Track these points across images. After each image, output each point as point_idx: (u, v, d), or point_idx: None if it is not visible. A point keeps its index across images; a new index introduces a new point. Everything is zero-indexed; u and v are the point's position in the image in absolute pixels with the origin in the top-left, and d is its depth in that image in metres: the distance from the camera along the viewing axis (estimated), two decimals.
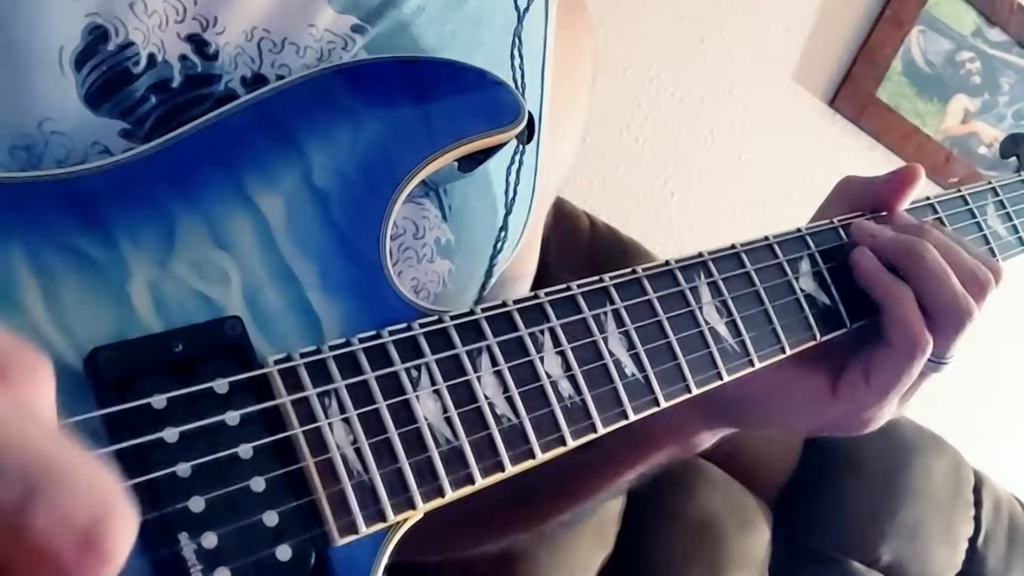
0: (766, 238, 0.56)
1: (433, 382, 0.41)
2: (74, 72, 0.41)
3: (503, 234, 0.57)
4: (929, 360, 0.56)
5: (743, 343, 0.52)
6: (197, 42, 0.45)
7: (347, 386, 0.39)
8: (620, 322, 0.48)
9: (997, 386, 2.02)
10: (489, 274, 0.56)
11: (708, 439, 0.64)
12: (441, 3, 0.53)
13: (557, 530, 0.72)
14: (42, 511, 0.22)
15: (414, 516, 0.40)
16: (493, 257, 0.56)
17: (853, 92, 1.76)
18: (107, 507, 0.23)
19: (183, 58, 0.44)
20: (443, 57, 0.51)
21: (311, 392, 0.38)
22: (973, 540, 1.67)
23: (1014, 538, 1.72)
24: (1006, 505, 1.74)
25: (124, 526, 0.24)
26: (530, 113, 0.49)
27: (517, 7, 0.58)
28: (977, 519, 1.68)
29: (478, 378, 0.42)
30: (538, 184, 0.62)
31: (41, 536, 0.22)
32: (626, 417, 0.46)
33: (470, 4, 0.55)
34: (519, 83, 0.57)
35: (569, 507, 0.69)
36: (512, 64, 0.57)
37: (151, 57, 0.43)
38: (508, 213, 0.57)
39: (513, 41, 0.57)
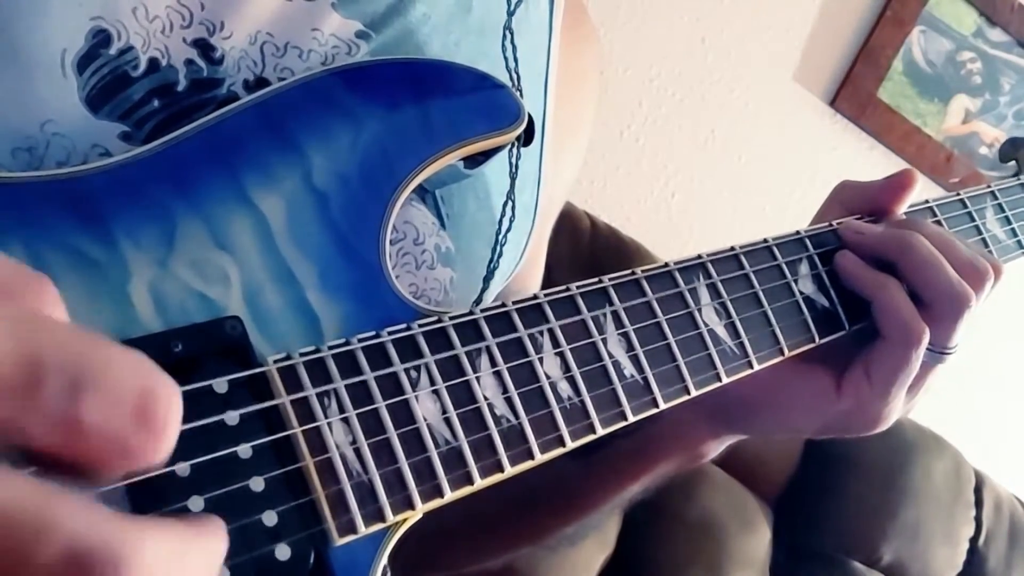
0: (765, 240, 0.56)
1: (432, 382, 0.41)
2: (76, 75, 0.42)
3: (502, 247, 0.57)
4: (931, 351, 0.55)
5: (742, 345, 0.52)
6: (203, 47, 0.45)
7: (346, 386, 0.39)
8: (619, 323, 0.48)
9: (997, 386, 2.02)
10: (486, 283, 0.56)
11: (714, 448, 0.63)
12: (446, 12, 0.53)
13: (561, 543, 0.72)
14: (92, 399, 0.23)
15: (413, 516, 0.40)
16: (490, 263, 0.56)
17: (854, 92, 1.76)
18: (149, 382, 0.24)
19: (189, 62, 0.44)
20: (443, 59, 0.52)
21: (310, 392, 0.38)
22: (974, 540, 1.67)
23: (1015, 538, 1.72)
24: (1007, 505, 1.74)
25: (171, 395, 0.25)
26: (530, 116, 0.49)
27: (508, 2, 0.58)
28: (978, 519, 1.68)
29: (477, 379, 0.42)
30: (541, 198, 0.62)
31: (99, 424, 0.23)
32: (625, 418, 0.46)
33: (474, 15, 0.55)
34: (515, 82, 0.57)
35: (573, 520, 0.69)
36: (506, 64, 0.57)
37: (153, 61, 0.44)
38: (510, 226, 0.57)
39: (504, 34, 0.57)
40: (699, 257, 0.52)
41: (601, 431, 0.45)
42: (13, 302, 0.24)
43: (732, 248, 0.54)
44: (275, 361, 0.38)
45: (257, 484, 0.36)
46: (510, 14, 0.57)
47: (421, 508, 0.40)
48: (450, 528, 0.54)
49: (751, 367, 0.52)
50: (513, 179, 0.57)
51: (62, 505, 0.22)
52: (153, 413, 0.24)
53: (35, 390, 0.22)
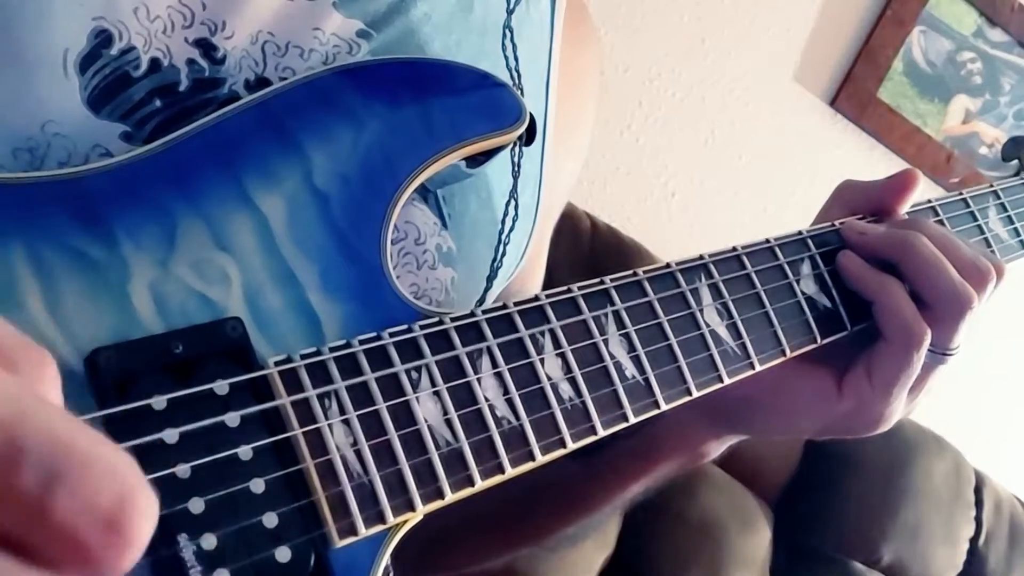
0: (767, 240, 0.56)
1: (433, 383, 0.41)
2: (78, 75, 0.41)
3: (504, 247, 0.57)
4: (933, 352, 0.55)
5: (744, 345, 0.52)
6: (205, 46, 0.45)
7: (347, 387, 0.39)
8: (621, 324, 0.47)
9: (998, 386, 2.02)
10: (489, 281, 0.56)
11: (715, 448, 0.63)
12: (447, 12, 0.53)
13: (562, 543, 0.72)
14: (66, 495, 0.22)
15: (414, 518, 0.40)
16: (493, 263, 0.56)
17: (854, 92, 1.76)
18: (129, 491, 0.23)
19: (191, 62, 0.44)
20: (444, 59, 0.51)
21: (311, 393, 0.38)
22: (974, 540, 1.67)
23: (1015, 538, 1.72)
24: (1007, 505, 1.74)
25: (146, 509, 0.24)
26: (531, 115, 0.49)
27: (508, 1, 0.58)
28: (978, 519, 1.68)
29: (478, 380, 0.42)
30: (543, 197, 0.61)
31: (65, 520, 0.22)
32: (626, 419, 0.46)
33: (475, 14, 0.55)
34: (515, 81, 0.57)
35: (574, 520, 0.69)
36: (507, 63, 0.57)
37: (154, 61, 0.43)
38: (512, 226, 0.57)
39: (504, 33, 0.57)
40: (701, 257, 0.52)
41: (602, 432, 0.45)
42: (11, 375, 0.24)
43: (734, 248, 0.54)
44: (276, 362, 0.38)
45: (257, 486, 0.36)
46: (509, 13, 0.57)
47: (422, 510, 0.40)
48: (451, 528, 0.54)
49: (753, 368, 0.52)
50: (515, 178, 0.57)
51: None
52: (124, 524, 0.23)
53: (12, 471, 0.22)
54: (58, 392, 0.26)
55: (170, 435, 0.35)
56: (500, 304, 0.45)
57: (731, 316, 0.52)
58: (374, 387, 0.40)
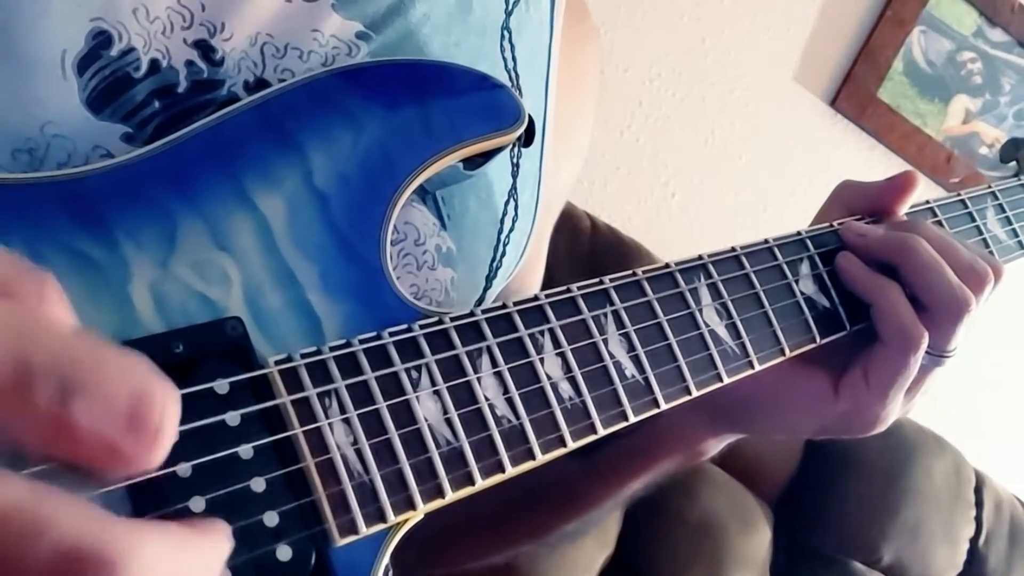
0: (766, 240, 0.56)
1: (433, 383, 0.41)
2: (76, 76, 0.42)
3: (504, 246, 0.57)
4: (930, 354, 0.55)
5: (743, 345, 0.52)
6: (204, 48, 0.45)
7: (347, 386, 0.39)
8: (620, 324, 0.48)
9: (998, 386, 2.02)
10: (489, 281, 0.56)
11: (714, 446, 0.64)
12: (446, 13, 0.53)
13: (562, 540, 0.72)
14: (82, 403, 0.23)
15: (414, 517, 0.40)
16: (493, 262, 0.56)
17: (854, 92, 1.76)
18: (143, 386, 0.24)
19: (189, 63, 0.44)
20: (442, 60, 0.52)
21: (311, 392, 0.38)
22: (974, 540, 1.67)
23: (1015, 538, 1.72)
24: (1007, 505, 1.74)
25: (165, 399, 0.24)
26: (530, 116, 0.49)
27: (506, 1, 0.58)
28: (978, 519, 1.68)
29: (478, 379, 0.42)
30: (542, 196, 0.62)
31: (87, 427, 0.23)
32: (626, 419, 0.46)
33: (474, 15, 0.55)
34: (514, 82, 0.57)
35: (574, 517, 0.69)
36: (505, 65, 0.57)
37: (154, 63, 0.44)
38: (512, 226, 0.57)
39: (502, 34, 0.57)
40: (700, 257, 0.52)
41: (602, 431, 0.45)
42: (9, 302, 0.24)
43: (733, 248, 0.54)
44: (276, 362, 0.38)
45: (258, 484, 0.36)
46: (508, 14, 0.57)
47: (422, 508, 0.40)
48: (451, 525, 0.54)
49: (752, 367, 0.52)
50: (514, 179, 0.57)
51: (57, 506, 0.22)
52: (146, 418, 0.24)
53: (25, 393, 0.22)
54: (64, 307, 0.26)
55: None
56: (500, 304, 0.45)
57: (730, 316, 0.52)
58: (374, 386, 0.40)
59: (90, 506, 0.23)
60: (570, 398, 0.45)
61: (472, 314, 0.44)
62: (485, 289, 0.56)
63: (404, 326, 0.42)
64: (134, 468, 0.24)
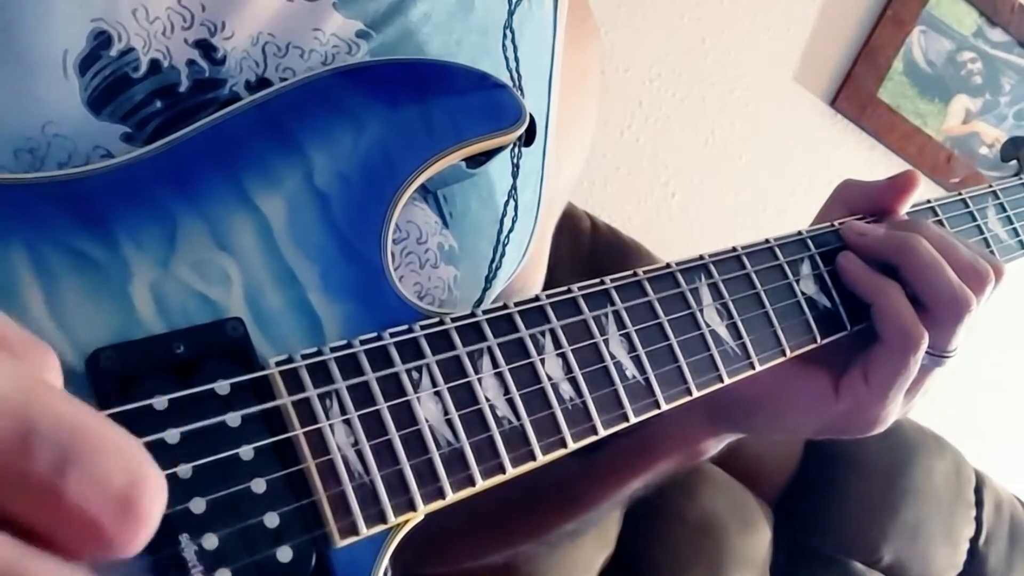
0: (767, 240, 0.56)
1: (434, 383, 0.41)
2: (78, 76, 0.42)
3: (504, 246, 0.57)
4: (930, 354, 0.55)
5: (744, 345, 0.52)
6: (205, 47, 0.45)
7: (348, 387, 0.39)
8: (621, 324, 0.48)
9: (998, 386, 2.02)
10: (489, 283, 0.56)
11: (713, 446, 0.64)
12: (447, 12, 0.53)
13: (561, 540, 0.72)
14: (78, 477, 0.23)
15: (415, 518, 0.40)
16: (493, 262, 0.56)
17: (854, 92, 1.76)
18: (140, 470, 0.24)
19: (191, 63, 0.44)
20: (443, 59, 0.52)
21: (312, 393, 0.38)
22: (974, 540, 1.67)
23: (1015, 538, 1.72)
24: (1007, 505, 1.74)
25: (157, 488, 0.24)
26: (531, 115, 0.49)
27: (509, 1, 0.58)
28: (978, 519, 1.68)
29: (479, 380, 0.42)
30: (544, 194, 0.62)
31: (78, 502, 0.23)
32: (627, 419, 0.46)
33: (476, 13, 0.55)
34: (515, 81, 0.57)
35: (574, 516, 0.69)
36: (507, 64, 0.57)
37: (154, 63, 0.44)
38: (513, 225, 0.57)
39: (504, 33, 0.57)
40: (701, 258, 0.52)
41: (603, 432, 0.45)
42: (17, 364, 0.24)
43: (734, 248, 0.54)
44: (277, 363, 0.38)
45: (259, 486, 0.36)
46: (511, 13, 0.57)
47: (423, 510, 0.40)
48: (452, 524, 0.54)
49: (753, 368, 0.52)
50: (515, 178, 0.57)
51: (46, 571, 0.22)
52: (137, 503, 0.23)
53: (24, 456, 0.22)
54: (60, 381, 0.26)
55: (171, 435, 0.35)
56: (500, 304, 0.45)
57: (731, 316, 0.52)
58: (375, 387, 0.40)
59: (78, 571, 0.23)
60: (571, 399, 0.45)
61: (473, 315, 0.44)
62: (485, 289, 0.56)
63: (405, 327, 0.42)
64: (113, 552, 0.23)
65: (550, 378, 0.44)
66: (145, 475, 0.24)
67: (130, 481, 0.23)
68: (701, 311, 0.51)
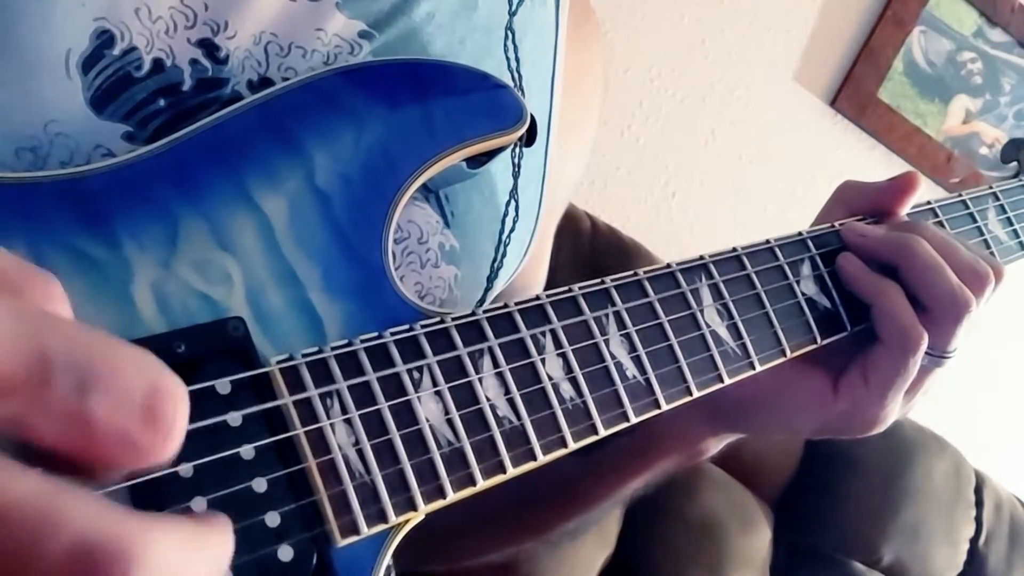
0: (767, 241, 0.56)
1: (435, 383, 0.41)
2: (80, 76, 0.42)
3: (506, 246, 0.57)
4: (930, 355, 0.55)
5: (744, 346, 0.52)
6: (208, 46, 0.45)
7: (349, 387, 0.39)
8: (621, 324, 0.48)
9: (998, 386, 2.02)
10: (490, 282, 0.56)
11: (713, 445, 0.64)
12: (451, 11, 0.53)
13: (562, 538, 0.72)
14: (100, 397, 0.23)
15: (415, 517, 0.40)
16: (494, 262, 0.56)
17: (854, 92, 1.76)
18: (158, 380, 0.24)
19: (194, 62, 0.45)
20: (445, 60, 0.52)
21: (313, 392, 0.38)
22: (974, 540, 1.67)
23: (1015, 538, 1.72)
24: (1007, 505, 1.74)
25: (178, 394, 0.25)
26: (532, 116, 0.49)
27: (510, 2, 0.58)
28: (978, 519, 1.68)
29: (479, 379, 0.42)
30: (545, 194, 0.62)
31: (106, 421, 0.23)
32: (627, 419, 0.46)
33: (479, 13, 0.55)
34: (516, 82, 0.57)
35: (574, 515, 0.69)
36: (508, 64, 0.57)
37: (157, 62, 0.44)
38: (514, 225, 0.57)
39: (505, 34, 0.57)
40: (701, 258, 0.52)
41: (603, 432, 0.45)
42: (20, 298, 0.24)
43: (734, 249, 0.54)
44: (278, 362, 0.38)
45: (260, 485, 0.36)
46: (511, 14, 0.58)
47: (423, 509, 0.40)
48: (453, 522, 0.55)
49: (753, 368, 0.52)
50: (516, 178, 0.57)
51: (71, 501, 0.22)
52: (161, 411, 0.24)
53: (43, 387, 0.23)
54: (67, 309, 0.27)
55: None
56: (501, 304, 0.45)
57: (731, 316, 0.52)
58: (376, 386, 0.40)
59: (104, 500, 0.23)
60: (571, 399, 0.45)
61: (474, 314, 0.44)
62: (486, 289, 0.56)
63: (406, 326, 0.42)
64: (147, 461, 0.24)
65: (551, 378, 0.44)
66: (163, 382, 0.24)
67: (151, 391, 0.24)
68: (701, 311, 0.51)
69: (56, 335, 0.23)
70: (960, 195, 0.68)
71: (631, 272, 0.50)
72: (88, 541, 0.22)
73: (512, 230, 0.57)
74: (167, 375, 0.25)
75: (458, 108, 0.48)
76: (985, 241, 0.67)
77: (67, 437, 0.23)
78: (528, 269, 0.64)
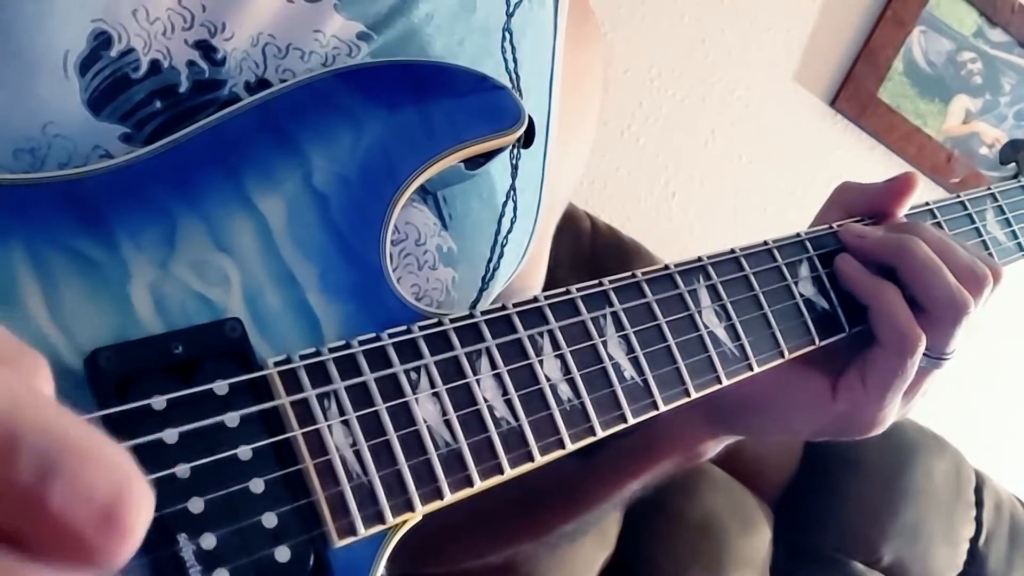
0: (765, 242, 0.56)
1: (432, 384, 0.41)
2: (78, 77, 0.42)
3: (503, 247, 0.57)
4: (928, 357, 0.55)
5: (742, 347, 0.52)
6: (205, 48, 0.45)
7: (346, 388, 0.39)
8: (619, 325, 0.48)
9: (998, 386, 2.02)
10: (487, 283, 0.56)
11: (712, 447, 0.64)
12: (450, 12, 0.53)
13: (561, 540, 0.72)
14: (61, 487, 0.22)
15: (413, 518, 0.40)
16: (490, 263, 0.56)
17: (854, 92, 1.76)
18: (125, 482, 0.23)
19: (191, 64, 0.45)
20: (443, 61, 0.52)
21: (310, 393, 0.38)
22: (974, 540, 1.67)
23: (1015, 538, 1.72)
24: (1007, 505, 1.74)
25: (143, 501, 0.24)
26: (530, 117, 0.49)
27: (507, 3, 0.58)
28: (978, 519, 1.68)
29: (477, 381, 0.42)
30: (544, 196, 0.62)
31: (61, 512, 0.22)
32: (625, 420, 0.46)
33: (478, 14, 0.55)
34: (514, 83, 0.57)
35: (573, 517, 0.69)
36: (506, 65, 0.57)
37: (154, 63, 0.44)
38: (511, 226, 0.57)
39: (503, 35, 0.57)
40: (699, 259, 0.52)
41: (601, 433, 0.45)
42: (5, 372, 0.24)
43: (732, 250, 0.54)
44: (275, 363, 0.38)
45: (257, 486, 0.36)
46: (509, 16, 0.58)
47: (421, 510, 0.40)
48: (451, 523, 0.55)
49: (751, 369, 0.52)
50: (514, 179, 0.57)
51: (28, 570, 0.22)
52: (120, 516, 0.23)
53: (7, 463, 0.22)
54: (51, 389, 0.26)
55: (170, 435, 0.35)
56: (499, 305, 0.45)
57: (729, 318, 0.52)
58: (373, 388, 0.40)
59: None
60: (569, 400, 0.45)
61: (471, 315, 0.44)
62: (482, 290, 0.56)
63: (403, 327, 0.42)
64: (97, 563, 0.23)
65: (548, 379, 0.44)
66: (130, 487, 0.23)
67: (115, 493, 0.23)
68: (699, 313, 0.51)
69: (33, 414, 0.22)
70: (958, 196, 0.68)
71: (629, 273, 0.50)
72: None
73: (510, 231, 0.57)
74: (136, 479, 0.23)
75: (456, 109, 0.48)
76: (983, 242, 0.67)
77: (18, 519, 0.22)
78: (527, 270, 0.64)
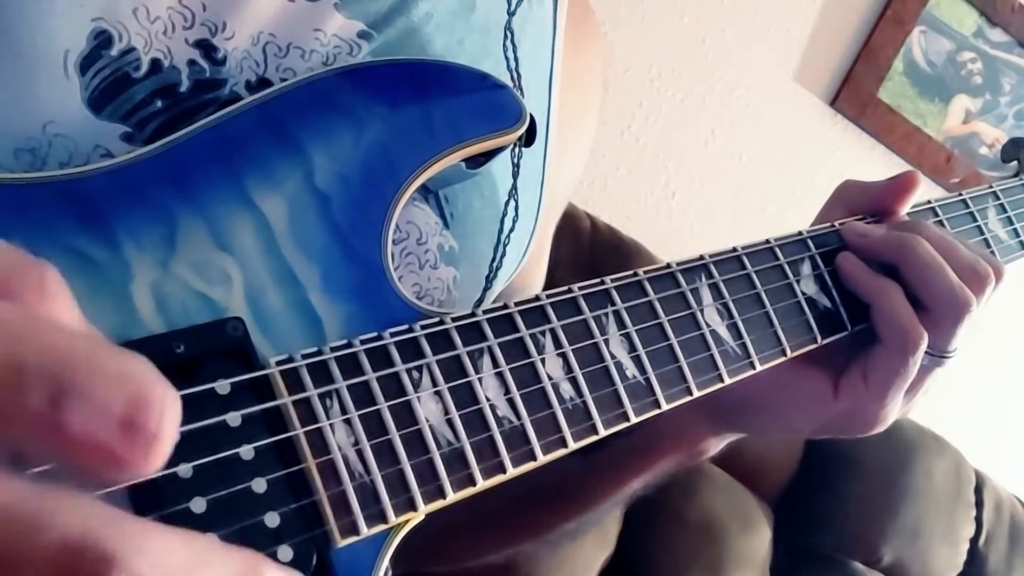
0: (767, 240, 0.56)
1: (434, 383, 0.41)
2: (79, 76, 0.42)
3: (505, 247, 0.57)
4: (930, 355, 0.55)
5: (744, 345, 0.52)
6: (205, 47, 0.45)
7: (348, 387, 0.39)
8: (621, 324, 0.48)
9: (998, 386, 2.02)
10: (489, 282, 0.56)
11: (714, 445, 0.64)
12: (449, 11, 0.53)
13: (562, 539, 0.72)
14: (75, 406, 0.22)
15: (415, 517, 0.40)
16: (493, 262, 0.56)
17: (854, 92, 1.76)
18: (142, 388, 0.23)
19: (191, 63, 0.44)
20: (444, 60, 0.52)
21: (312, 393, 0.38)
22: (974, 540, 1.67)
23: (1015, 538, 1.72)
24: (1007, 505, 1.74)
25: (165, 402, 0.23)
26: (531, 116, 0.49)
27: (509, 1, 0.58)
28: (978, 519, 1.68)
29: (479, 379, 0.42)
30: (544, 195, 0.62)
31: (80, 430, 0.22)
32: (627, 419, 0.46)
33: (478, 13, 0.55)
34: (515, 81, 0.57)
35: (574, 516, 0.69)
36: (507, 64, 0.57)
37: (155, 62, 0.44)
38: (513, 225, 0.57)
39: (504, 33, 0.57)
40: (701, 258, 0.52)
41: (603, 432, 0.45)
42: (7, 299, 0.24)
43: (734, 249, 0.54)
44: (277, 362, 0.38)
45: (259, 485, 0.36)
46: (510, 14, 0.58)
47: (423, 509, 0.40)
48: (453, 522, 0.55)
49: (753, 367, 0.52)
50: (515, 178, 0.57)
51: (59, 501, 0.22)
52: (142, 422, 0.23)
53: (17, 396, 0.22)
54: (64, 301, 0.25)
55: None
56: (501, 304, 0.45)
57: (731, 316, 0.52)
58: (375, 387, 0.40)
59: (93, 502, 0.23)
60: (571, 398, 0.45)
61: (473, 314, 0.44)
62: (485, 289, 0.56)
63: (405, 326, 0.42)
64: (130, 473, 0.23)
65: (550, 378, 0.44)
66: (147, 391, 0.23)
67: (132, 400, 0.23)
68: (701, 311, 0.51)
69: (35, 340, 0.22)
70: (960, 194, 0.68)
71: (631, 272, 0.49)
72: (75, 539, 0.22)
73: (512, 230, 0.57)
74: (153, 383, 0.23)
75: (457, 108, 0.47)
76: (985, 240, 0.67)
77: (44, 447, 0.22)
78: (527, 269, 0.64)
